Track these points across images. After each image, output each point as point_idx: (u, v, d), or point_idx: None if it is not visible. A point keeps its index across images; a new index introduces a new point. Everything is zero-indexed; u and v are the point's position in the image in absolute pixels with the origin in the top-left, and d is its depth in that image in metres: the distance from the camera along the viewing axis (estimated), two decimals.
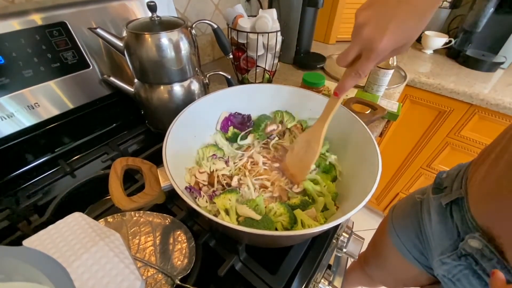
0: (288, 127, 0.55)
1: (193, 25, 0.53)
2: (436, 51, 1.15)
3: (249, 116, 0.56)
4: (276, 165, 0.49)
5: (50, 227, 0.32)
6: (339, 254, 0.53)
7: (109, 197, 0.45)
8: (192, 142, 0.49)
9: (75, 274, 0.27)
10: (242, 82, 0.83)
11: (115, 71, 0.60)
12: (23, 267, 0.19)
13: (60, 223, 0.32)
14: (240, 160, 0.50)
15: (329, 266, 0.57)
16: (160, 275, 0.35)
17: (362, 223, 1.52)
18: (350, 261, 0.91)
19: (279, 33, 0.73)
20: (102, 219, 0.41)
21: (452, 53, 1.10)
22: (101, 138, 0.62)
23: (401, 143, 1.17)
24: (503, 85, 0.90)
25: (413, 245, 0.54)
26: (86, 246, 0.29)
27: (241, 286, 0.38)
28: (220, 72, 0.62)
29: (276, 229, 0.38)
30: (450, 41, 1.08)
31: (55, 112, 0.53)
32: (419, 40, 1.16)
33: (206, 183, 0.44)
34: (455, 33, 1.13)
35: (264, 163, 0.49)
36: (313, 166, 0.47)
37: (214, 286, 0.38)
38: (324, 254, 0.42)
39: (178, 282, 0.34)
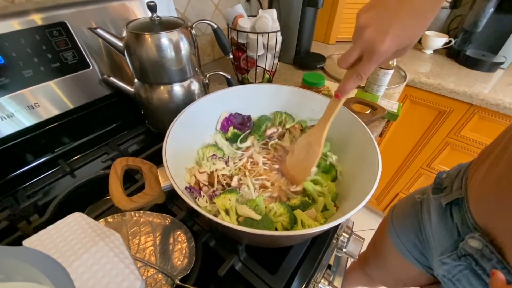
0: (287, 127, 0.55)
1: (193, 25, 0.53)
2: (436, 51, 1.15)
3: (249, 117, 0.56)
4: (276, 166, 0.49)
5: (50, 227, 0.32)
6: (339, 254, 0.53)
7: (109, 197, 0.45)
8: (192, 142, 0.49)
9: (75, 274, 0.27)
10: (242, 82, 0.83)
11: (115, 71, 0.60)
12: (23, 267, 0.19)
13: (60, 223, 0.32)
14: (240, 160, 0.50)
15: (329, 266, 0.57)
16: (160, 275, 0.35)
17: (362, 223, 1.52)
18: (350, 261, 0.91)
19: (279, 33, 0.73)
20: (102, 219, 0.41)
21: (452, 53, 1.10)
22: (101, 138, 0.62)
23: (401, 143, 1.16)
24: (503, 85, 0.90)
25: (413, 245, 0.54)
26: (86, 246, 0.29)
27: (241, 286, 0.38)
28: (220, 72, 0.62)
29: (276, 229, 0.38)
30: (450, 41, 1.08)
31: (55, 112, 0.53)
32: (419, 40, 1.16)
33: (206, 183, 0.44)
34: (455, 33, 1.13)
35: (264, 163, 0.49)
36: (314, 169, 0.47)
37: (214, 286, 0.38)
38: (324, 254, 0.42)
39: (178, 282, 0.34)
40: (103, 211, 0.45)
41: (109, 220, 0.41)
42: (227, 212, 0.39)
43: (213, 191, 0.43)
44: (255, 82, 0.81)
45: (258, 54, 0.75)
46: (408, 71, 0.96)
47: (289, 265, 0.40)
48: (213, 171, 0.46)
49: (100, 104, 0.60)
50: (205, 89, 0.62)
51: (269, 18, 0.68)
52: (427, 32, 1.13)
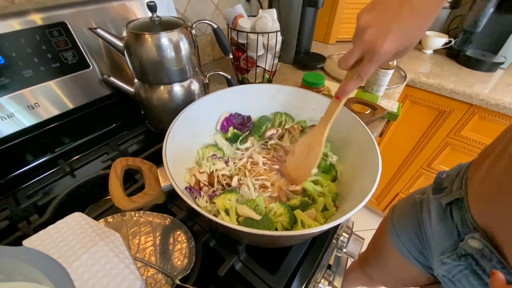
0: (286, 127, 0.55)
1: (193, 25, 0.53)
2: (436, 51, 1.15)
3: (249, 117, 0.56)
4: (276, 166, 0.49)
5: (50, 227, 0.32)
6: (339, 254, 0.53)
7: (109, 197, 0.45)
8: (192, 142, 0.49)
9: (75, 274, 0.27)
10: (242, 82, 0.83)
11: (115, 71, 0.60)
12: (23, 267, 0.19)
13: (60, 223, 0.32)
14: (240, 160, 0.50)
15: (329, 266, 0.57)
16: (160, 275, 0.35)
17: (362, 223, 1.52)
18: (350, 261, 0.91)
19: (279, 33, 0.73)
20: (102, 219, 0.41)
21: (452, 53, 1.10)
22: (101, 138, 0.62)
23: (401, 143, 1.17)
24: (503, 85, 0.90)
25: (413, 245, 0.54)
26: (86, 246, 0.29)
27: (241, 286, 0.38)
28: (220, 72, 0.62)
29: (276, 229, 0.38)
30: (450, 41, 1.08)
31: (55, 112, 0.53)
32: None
33: (206, 183, 0.44)
34: (455, 33, 1.13)
35: (264, 164, 0.49)
36: (314, 170, 0.47)
37: (214, 286, 0.38)
38: (324, 254, 0.42)
39: (178, 282, 0.34)
40: (103, 211, 0.45)
41: (109, 220, 0.41)
42: (227, 212, 0.39)
43: (213, 191, 0.43)
44: (255, 82, 0.81)
45: (258, 54, 0.75)
46: (408, 71, 0.96)
47: (289, 265, 0.40)
48: (213, 171, 0.46)
49: (100, 104, 0.60)
50: (205, 89, 0.62)
51: (269, 18, 0.68)
52: (427, 32, 1.13)
